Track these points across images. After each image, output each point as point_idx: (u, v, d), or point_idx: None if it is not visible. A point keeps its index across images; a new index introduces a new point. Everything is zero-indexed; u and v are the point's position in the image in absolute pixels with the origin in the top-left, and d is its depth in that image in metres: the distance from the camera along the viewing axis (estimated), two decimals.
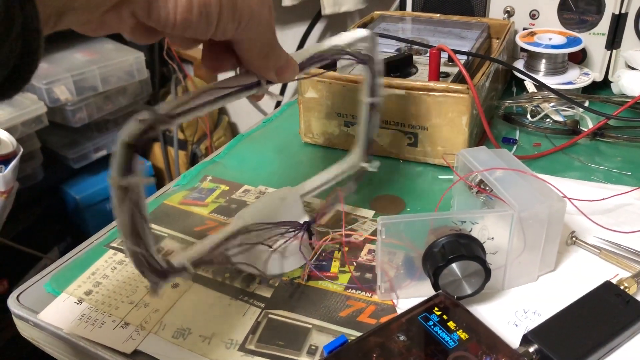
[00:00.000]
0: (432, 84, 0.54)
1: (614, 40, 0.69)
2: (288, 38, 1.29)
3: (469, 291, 0.39)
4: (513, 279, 0.42)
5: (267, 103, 1.41)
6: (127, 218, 0.30)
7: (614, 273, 0.43)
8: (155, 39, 0.32)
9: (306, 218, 0.44)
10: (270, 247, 0.42)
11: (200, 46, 0.34)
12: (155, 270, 0.34)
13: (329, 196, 0.47)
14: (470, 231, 0.39)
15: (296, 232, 0.43)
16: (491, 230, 0.40)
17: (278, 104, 1.25)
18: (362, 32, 0.41)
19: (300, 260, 0.45)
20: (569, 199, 0.43)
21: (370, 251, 0.46)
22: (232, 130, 1.57)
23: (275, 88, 1.25)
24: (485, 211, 0.42)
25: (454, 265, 0.38)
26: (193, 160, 1.46)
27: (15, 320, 0.43)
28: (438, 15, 0.74)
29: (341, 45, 0.40)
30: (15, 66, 0.22)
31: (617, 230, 0.46)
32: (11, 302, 0.43)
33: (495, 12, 0.74)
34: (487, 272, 0.38)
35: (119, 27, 0.29)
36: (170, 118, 0.31)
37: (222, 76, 0.82)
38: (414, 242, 0.39)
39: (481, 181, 0.43)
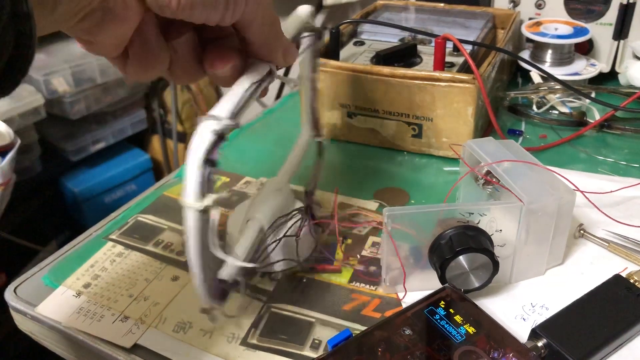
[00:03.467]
0: (437, 74, 0.53)
1: (621, 31, 0.68)
2: None
3: (476, 284, 0.38)
4: (521, 272, 0.41)
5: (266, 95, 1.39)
6: (202, 245, 0.29)
7: (623, 266, 0.42)
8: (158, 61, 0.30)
9: (299, 203, 0.44)
10: (298, 236, 0.42)
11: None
12: (215, 294, 0.32)
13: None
14: (478, 223, 0.39)
15: (302, 217, 0.42)
16: (499, 222, 0.39)
17: (279, 95, 1.24)
18: (308, 7, 0.40)
19: (311, 245, 0.44)
20: (580, 191, 0.42)
21: (374, 244, 0.46)
22: None
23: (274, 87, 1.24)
24: (494, 203, 0.41)
25: (461, 257, 0.37)
26: None
27: (13, 313, 0.43)
28: (442, 4, 0.73)
29: (306, 22, 0.39)
30: (10, 57, 0.21)
31: (626, 222, 0.45)
32: (9, 295, 0.43)
33: (501, 1, 0.73)
34: (495, 265, 0.38)
35: (125, 24, 0.27)
36: (235, 120, 0.30)
37: None
38: (420, 234, 0.39)
39: (488, 172, 0.42)
